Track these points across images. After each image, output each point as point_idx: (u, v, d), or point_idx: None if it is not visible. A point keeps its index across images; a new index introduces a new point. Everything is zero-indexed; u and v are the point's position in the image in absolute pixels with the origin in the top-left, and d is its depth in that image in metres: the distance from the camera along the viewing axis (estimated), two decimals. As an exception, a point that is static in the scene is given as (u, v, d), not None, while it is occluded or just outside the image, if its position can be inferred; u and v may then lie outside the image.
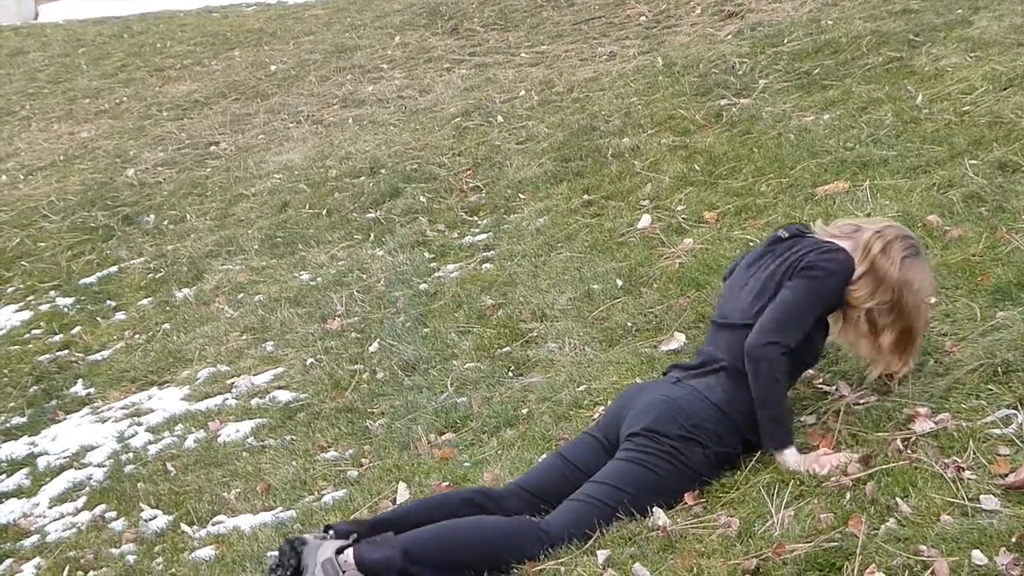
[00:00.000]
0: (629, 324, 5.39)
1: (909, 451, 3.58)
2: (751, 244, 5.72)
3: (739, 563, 3.31)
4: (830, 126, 6.94)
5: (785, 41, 8.83)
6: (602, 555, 3.53)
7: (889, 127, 6.56)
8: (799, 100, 7.63)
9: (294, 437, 5.50)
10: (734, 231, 5.98)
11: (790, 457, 3.74)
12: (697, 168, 7.02)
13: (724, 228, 6.09)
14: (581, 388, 4.94)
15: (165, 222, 9.55)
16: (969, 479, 3.37)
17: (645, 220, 6.51)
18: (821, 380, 4.24)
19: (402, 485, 4.59)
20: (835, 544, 3.24)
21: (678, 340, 4.98)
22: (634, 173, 7.28)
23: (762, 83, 8.16)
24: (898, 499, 3.36)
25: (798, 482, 3.61)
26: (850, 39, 8.34)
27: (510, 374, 5.43)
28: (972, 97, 6.60)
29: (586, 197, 7.18)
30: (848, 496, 3.46)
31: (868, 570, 3.09)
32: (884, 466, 3.53)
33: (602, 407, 4.56)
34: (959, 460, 3.46)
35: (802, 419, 3.99)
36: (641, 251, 6.16)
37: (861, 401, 3.96)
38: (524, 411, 5.00)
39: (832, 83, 7.71)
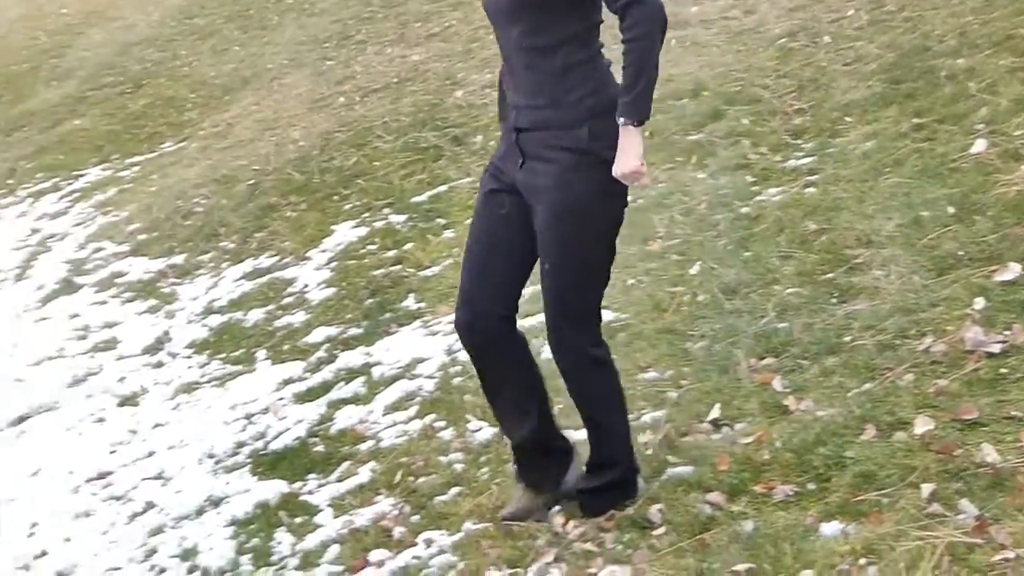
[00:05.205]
0: (960, 253, 5.21)
1: None
2: (1096, 171, 5.43)
3: (1074, 504, 3.20)
4: None
5: None
6: (926, 488, 3.48)
7: None
8: None
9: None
10: (1076, 156, 5.68)
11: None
12: (1039, 90, 6.68)
13: (1065, 154, 5.79)
14: (908, 318, 4.83)
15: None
16: None
17: (980, 145, 6.23)
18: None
19: (716, 406, 4.61)
20: None
21: (1013, 271, 4.80)
22: (969, 96, 6.97)
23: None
24: None
25: None
26: None
27: (833, 300, 5.36)
28: None
29: (916, 120, 6.93)
30: None
31: None
32: None
33: (929, 338, 4.45)
34: None
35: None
36: (975, 177, 5.92)
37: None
38: (847, 339, 4.93)
39: None
